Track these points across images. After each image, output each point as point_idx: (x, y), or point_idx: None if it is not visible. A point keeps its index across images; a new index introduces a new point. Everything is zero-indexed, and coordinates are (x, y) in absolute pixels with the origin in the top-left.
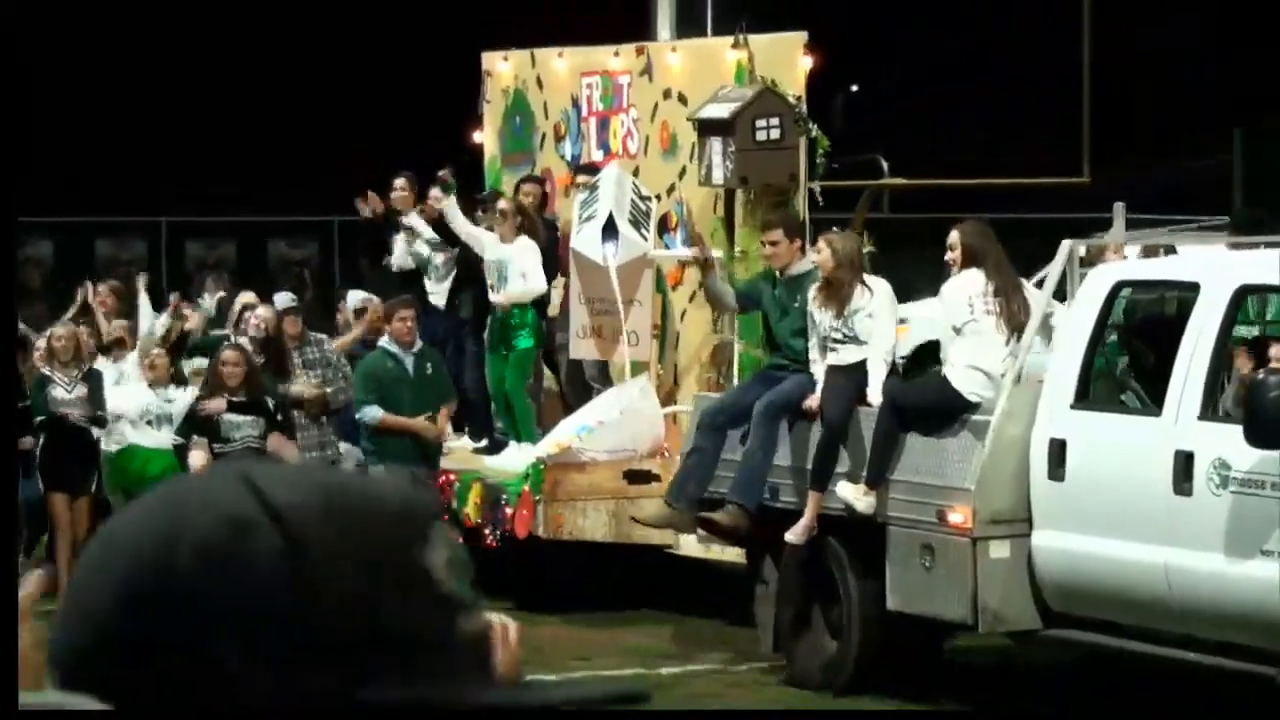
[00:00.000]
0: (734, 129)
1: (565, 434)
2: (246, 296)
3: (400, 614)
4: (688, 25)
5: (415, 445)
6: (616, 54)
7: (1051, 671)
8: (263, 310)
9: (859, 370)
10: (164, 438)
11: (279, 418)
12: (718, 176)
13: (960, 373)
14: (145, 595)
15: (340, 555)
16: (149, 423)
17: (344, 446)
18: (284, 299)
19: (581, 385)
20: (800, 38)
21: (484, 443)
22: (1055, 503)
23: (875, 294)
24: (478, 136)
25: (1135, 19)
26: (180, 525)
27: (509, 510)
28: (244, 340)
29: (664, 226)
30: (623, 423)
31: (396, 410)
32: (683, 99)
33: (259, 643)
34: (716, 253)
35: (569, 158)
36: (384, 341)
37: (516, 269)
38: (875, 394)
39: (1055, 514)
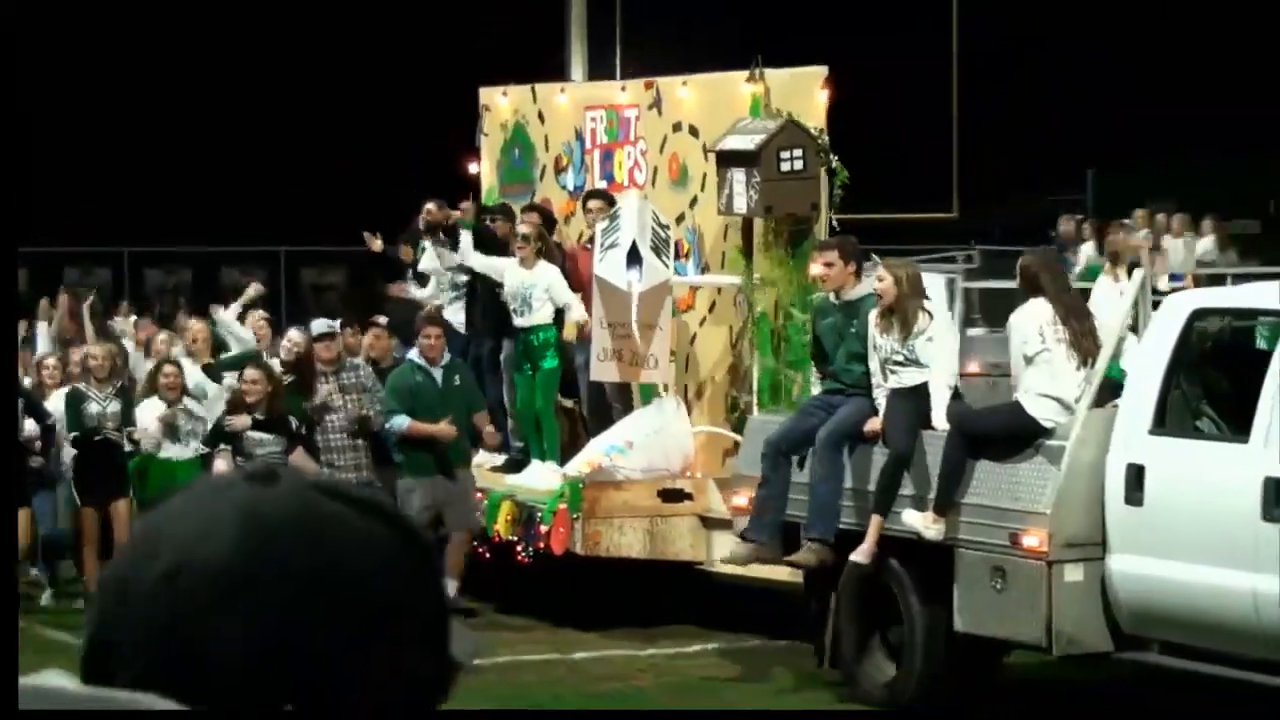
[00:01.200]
0: (759, 160)
1: (596, 453)
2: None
3: (436, 590)
4: (599, 68)
5: (443, 456)
6: (623, 89)
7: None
8: (295, 333)
9: (920, 393)
10: (189, 450)
11: (301, 436)
12: (740, 205)
13: (1034, 399)
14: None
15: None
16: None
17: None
18: (320, 325)
19: (601, 406)
20: (820, 72)
21: (501, 460)
22: (1133, 527)
23: (935, 318)
24: (474, 168)
25: (999, 72)
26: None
27: (544, 528)
28: (274, 361)
29: (675, 254)
30: (656, 442)
31: (428, 420)
32: (694, 131)
33: (391, 629)
34: (734, 279)
35: (571, 188)
36: (412, 355)
37: (541, 294)
38: (939, 418)
39: (1132, 538)
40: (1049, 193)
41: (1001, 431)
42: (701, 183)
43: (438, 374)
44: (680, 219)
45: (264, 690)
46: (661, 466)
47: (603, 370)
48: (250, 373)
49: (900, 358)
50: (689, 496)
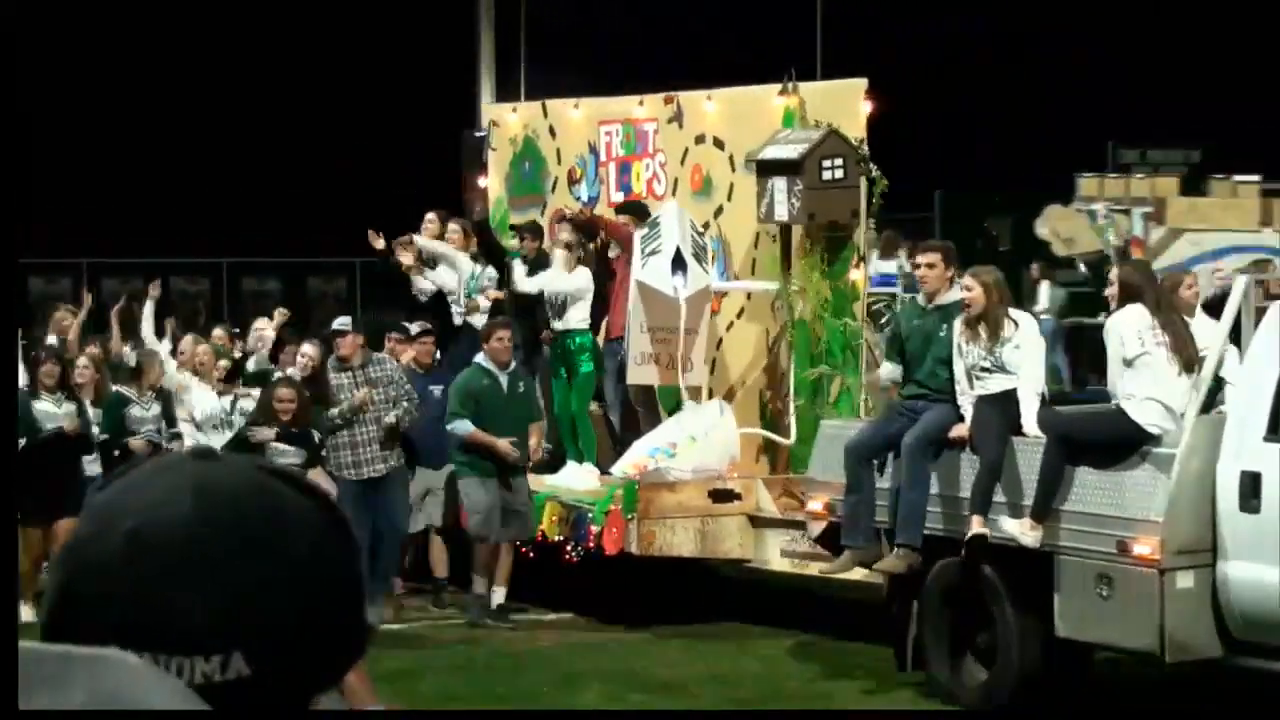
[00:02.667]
0: (802, 168)
1: (640, 455)
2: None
3: (356, 559)
4: (505, 91)
5: (503, 463)
6: (641, 103)
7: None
8: (308, 348)
9: (1008, 400)
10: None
11: (321, 452)
12: (781, 213)
13: (1138, 405)
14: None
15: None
16: (215, 427)
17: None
18: (343, 321)
19: (628, 410)
20: (861, 84)
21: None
22: (1248, 535)
23: (1021, 326)
24: (482, 181)
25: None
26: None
27: (594, 528)
28: (293, 372)
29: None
30: (705, 443)
31: (491, 425)
32: (719, 143)
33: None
34: (772, 285)
35: (585, 199)
36: (480, 359)
37: (576, 298)
38: (1029, 425)
39: (1247, 545)
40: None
41: (1105, 438)
42: (728, 193)
43: (504, 379)
44: (706, 227)
45: (221, 640)
46: (710, 467)
47: (640, 374)
48: (283, 391)
49: (987, 365)
50: (738, 496)
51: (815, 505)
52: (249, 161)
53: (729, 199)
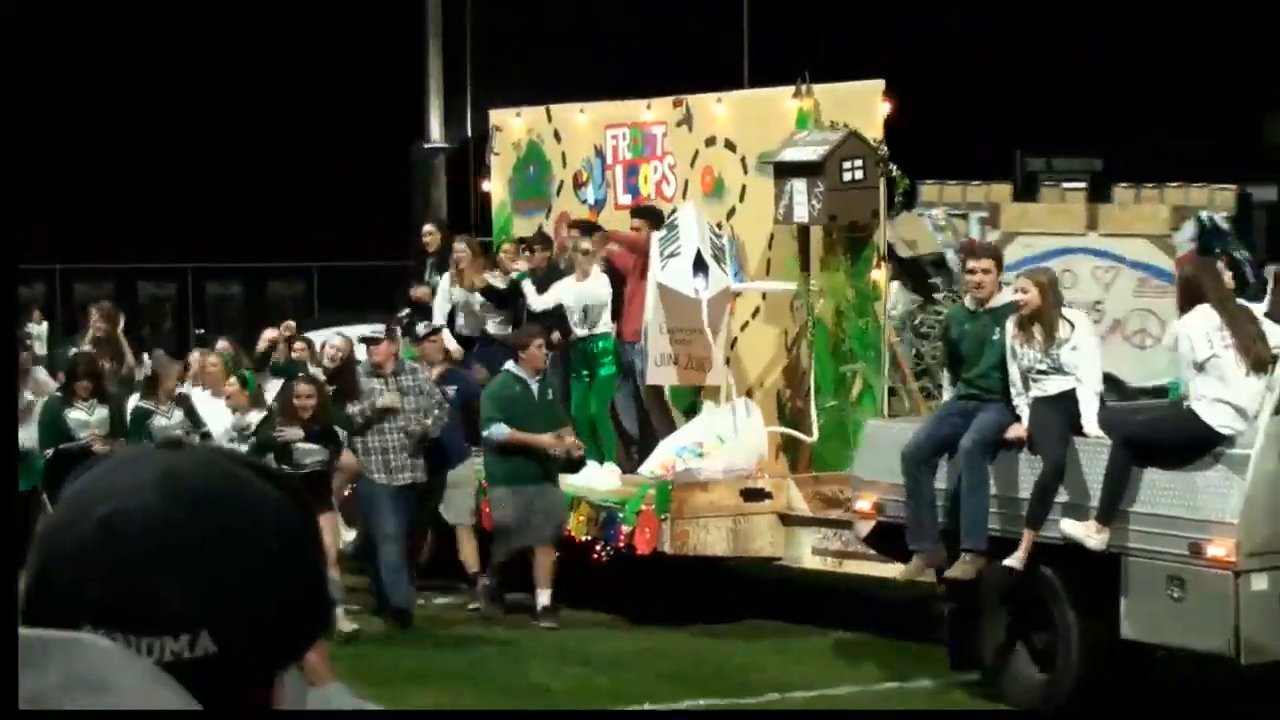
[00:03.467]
0: (823, 170)
1: (667, 455)
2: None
3: (317, 540)
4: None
5: (536, 464)
6: (649, 107)
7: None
8: (338, 340)
9: (1066, 401)
10: None
11: (343, 445)
12: (801, 215)
13: (1209, 406)
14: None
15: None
16: (230, 443)
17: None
18: (376, 329)
19: (639, 412)
20: (879, 85)
21: None
22: None
23: (1077, 326)
24: (485, 185)
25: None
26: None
27: (625, 528)
28: (317, 371)
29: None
30: (736, 443)
31: (523, 430)
32: (730, 145)
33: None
34: (790, 285)
35: (591, 202)
36: (511, 366)
37: (598, 305)
38: (1091, 426)
39: None
40: None
41: (1174, 440)
42: (740, 194)
43: (535, 386)
44: (719, 229)
45: (192, 622)
46: (740, 466)
47: (660, 374)
48: (302, 387)
49: (1044, 366)
50: (768, 495)
51: (863, 504)
52: (212, 170)
53: (741, 200)
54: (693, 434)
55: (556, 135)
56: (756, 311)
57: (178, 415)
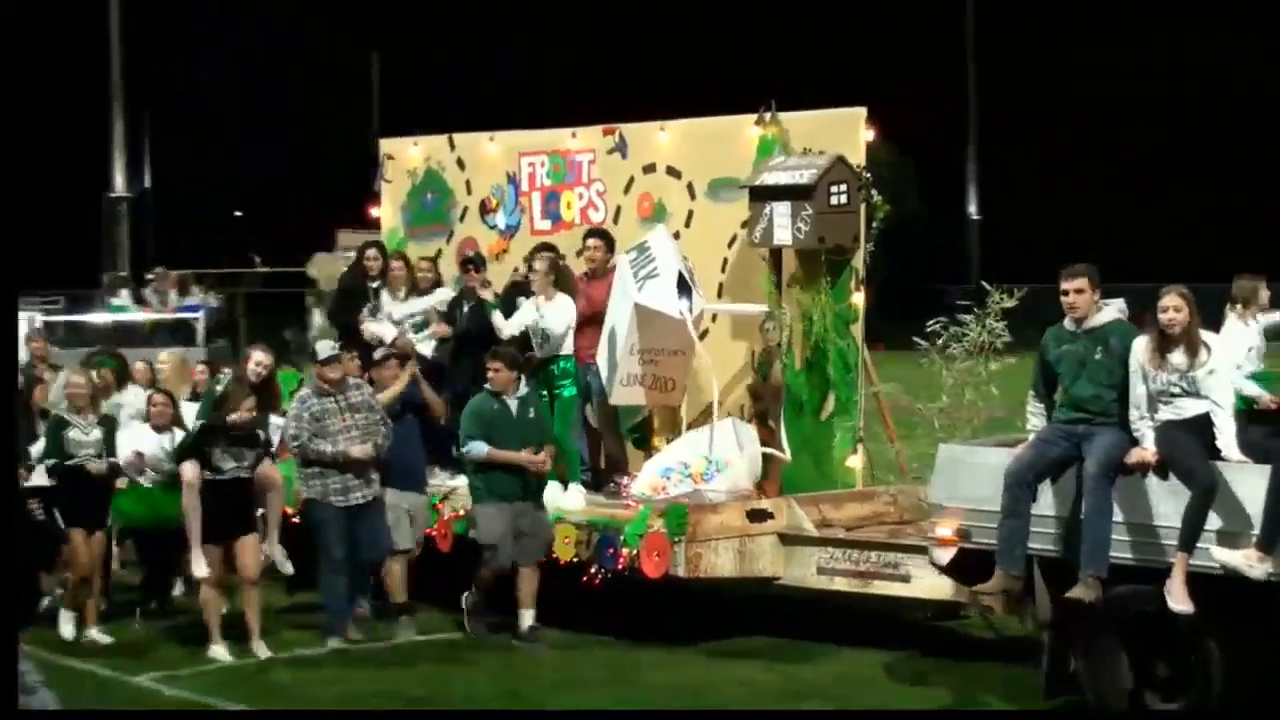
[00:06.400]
0: (813, 193)
1: (653, 476)
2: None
3: None
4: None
5: (519, 481)
6: (574, 135)
7: None
8: (260, 354)
9: (1201, 423)
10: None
11: (269, 450)
12: (783, 237)
13: None
14: None
15: None
16: (161, 463)
17: (390, 493)
18: (325, 348)
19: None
20: (861, 113)
21: None
22: None
23: (1214, 349)
24: (375, 211)
25: None
26: None
27: (626, 551)
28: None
29: None
30: (739, 464)
31: (501, 447)
32: (673, 171)
33: None
34: (761, 307)
35: (502, 227)
36: (487, 384)
37: (561, 325)
38: (1230, 449)
39: None
40: None
41: None
42: (686, 219)
43: (513, 404)
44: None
45: None
46: (743, 487)
47: (626, 395)
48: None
49: (1178, 389)
50: (770, 515)
51: (944, 531)
52: None
53: (686, 225)
54: (677, 455)
55: (460, 163)
56: (705, 333)
57: (96, 434)
